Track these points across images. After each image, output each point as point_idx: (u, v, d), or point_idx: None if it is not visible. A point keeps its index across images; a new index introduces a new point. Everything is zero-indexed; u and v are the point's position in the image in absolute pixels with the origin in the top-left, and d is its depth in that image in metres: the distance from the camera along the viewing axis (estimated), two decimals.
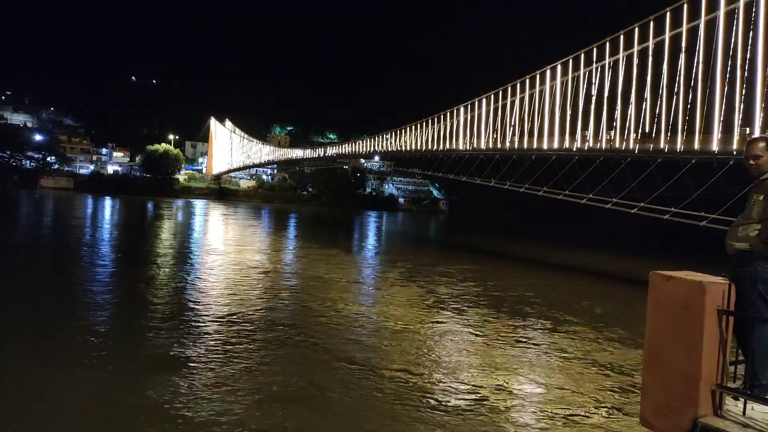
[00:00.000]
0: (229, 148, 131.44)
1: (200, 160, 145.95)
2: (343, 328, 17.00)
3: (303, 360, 13.61)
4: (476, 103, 49.38)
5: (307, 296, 21.91)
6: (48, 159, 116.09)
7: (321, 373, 12.68)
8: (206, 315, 17.57)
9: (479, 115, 49.16)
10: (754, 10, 28.18)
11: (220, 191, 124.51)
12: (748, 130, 28.39)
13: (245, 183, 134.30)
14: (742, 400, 3.80)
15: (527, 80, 43.05)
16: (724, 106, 29.32)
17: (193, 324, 16.30)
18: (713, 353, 3.69)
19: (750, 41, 28.32)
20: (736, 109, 28.55)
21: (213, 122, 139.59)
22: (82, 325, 15.39)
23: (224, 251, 35.46)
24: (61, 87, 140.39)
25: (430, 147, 57.24)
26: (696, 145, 30.71)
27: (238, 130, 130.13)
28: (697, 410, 3.66)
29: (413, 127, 61.43)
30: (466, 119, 51.11)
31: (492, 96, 47.22)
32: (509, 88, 44.91)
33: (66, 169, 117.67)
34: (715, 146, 29.81)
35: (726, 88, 29.22)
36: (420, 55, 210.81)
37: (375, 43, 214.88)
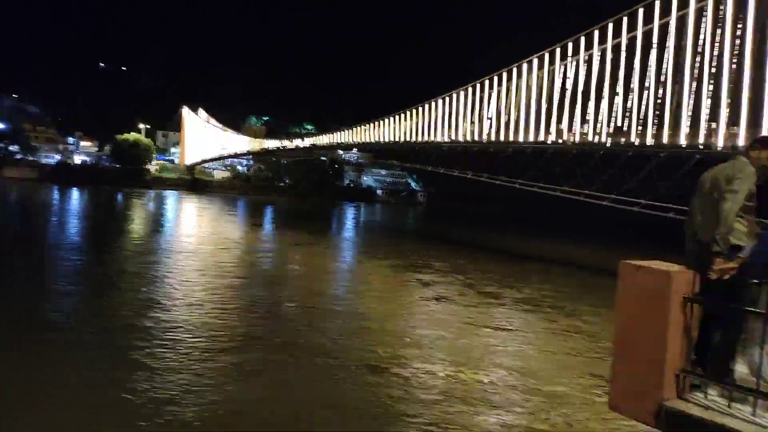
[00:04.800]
0: (202, 138, 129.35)
1: (172, 150, 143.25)
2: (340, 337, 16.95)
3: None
4: (454, 95, 49.57)
5: (286, 289, 21.91)
6: (10, 148, 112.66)
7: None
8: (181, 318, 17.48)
9: (457, 107, 49.37)
10: (721, 7, 28.90)
11: (194, 182, 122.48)
12: (713, 124, 29.20)
13: (219, 174, 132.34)
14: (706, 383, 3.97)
15: (504, 73, 43.40)
16: (692, 101, 30.08)
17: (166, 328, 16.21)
18: (678, 339, 3.87)
19: (718, 38, 29.06)
20: (703, 105, 29.32)
21: (186, 111, 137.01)
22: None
23: (198, 245, 35.09)
24: (24, 74, 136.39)
25: (408, 139, 57.29)
26: (665, 139, 31.49)
27: (212, 120, 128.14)
28: (663, 394, 3.81)
29: (391, 118, 61.40)
30: (444, 111, 51.28)
31: (470, 89, 47.46)
32: (486, 81, 45.23)
33: (30, 158, 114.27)
34: (683, 140, 30.59)
35: (694, 84, 29.97)
36: (400, 46, 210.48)
37: (351, 33, 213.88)
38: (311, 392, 11.10)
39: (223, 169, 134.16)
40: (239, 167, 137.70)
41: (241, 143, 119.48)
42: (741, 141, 28.22)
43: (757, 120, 28.02)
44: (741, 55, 28.46)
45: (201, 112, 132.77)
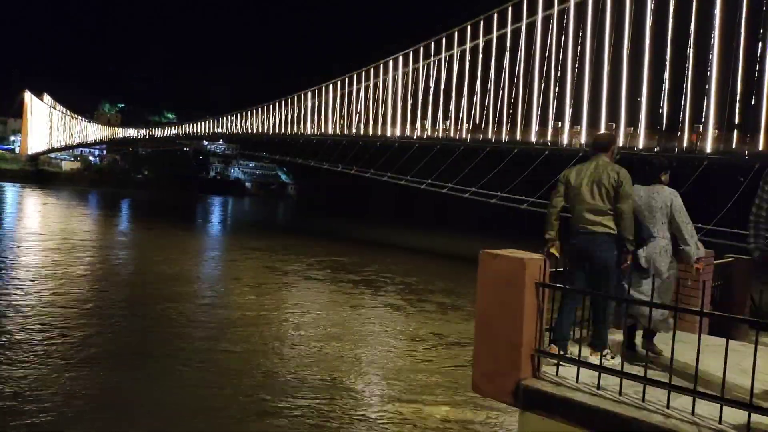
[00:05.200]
0: (48, 125, 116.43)
1: (12, 138, 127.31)
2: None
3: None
4: (323, 88, 49.57)
5: (146, 290, 20.42)
6: None
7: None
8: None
9: (326, 100, 49.44)
10: (564, 17, 31.96)
11: (38, 174, 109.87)
12: (560, 123, 32.26)
13: (68, 165, 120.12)
14: (556, 362, 4.28)
15: (372, 69, 44.24)
16: (540, 101, 32.99)
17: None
18: (532, 322, 4.12)
19: (562, 45, 32.11)
20: (550, 105, 32.29)
21: (28, 96, 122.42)
22: None
23: (43, 246, 31.42)
24: None
25: (276, 131, 56.24)
26: (518, 136, 34.22)
27: (59, 106, 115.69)
28: (520, 374, 4.03)
29: (260, 109, 59.80)
30: (313, 104, 51.07)
31: (339, 82, 47.75)
32: (354, 76, 45.81)
33: None
34: (533, 137, 33.44)
35: (542, 86, 32.88)
36: (270, 37, 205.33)
37: (219, 21, 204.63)
38: None
39: (73, 159, 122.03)
40: (91, 158, 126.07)
41: (92, 131, 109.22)
42: (583, 139, 31.46)
43: (594, 121, 31.47)
44: (582, 60, 31.73)
45: (46, 97, 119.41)
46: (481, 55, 36.73)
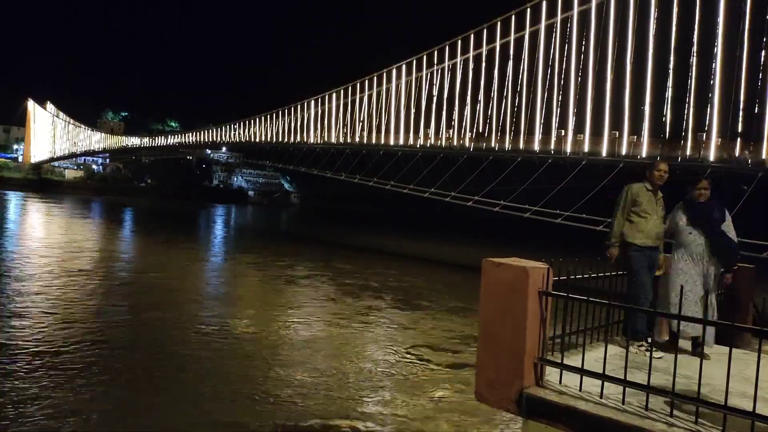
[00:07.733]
0: (51, 134, 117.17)
1: (15, 147, 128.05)
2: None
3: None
4: (326, 97, 49.77)
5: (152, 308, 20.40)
6: None
7: None
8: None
9: (329, 109, 49.64)
10: (567, 26, 32.09)
11: (41, 182, 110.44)
12: (563, 132, 32.27)
13: (71, 173, 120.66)
14: (559, 370, 4.27)
15: (375, 78, 44.43)
16: (544, 110, 33.04)
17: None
18: (535, 330, 4.12)
19: (566, 53, 32.19)
20: (554, 114, 32.34)
21: (31, 104, 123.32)
22: None
23: (44, 256, 31.42)
24: None
25: (280, 139, 56.42)
26: (521, 145, 34.23)
27: (62, 114, 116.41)
28: (523, 382, 4.02)
29: (263, 118, 60.05)
30: (317, 113, 51.26)
31: (342, 91, 47.95)
32: (358, 84, 45.98)
33: None
34: (536, 146, 33.44)
35: (545, 95, 32.94)
36: (275, 46, 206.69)
37: (216, 29, 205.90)
38: None
39: (76, 168, 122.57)
40: (94, 166, 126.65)
41: (96, 140, 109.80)
42: (586, 148, 31.44)
43: (598, 129, 31.50)
44: (585, 69, 31.82)
45: (49, 105, 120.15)
46: (484, 64, 36.85)
